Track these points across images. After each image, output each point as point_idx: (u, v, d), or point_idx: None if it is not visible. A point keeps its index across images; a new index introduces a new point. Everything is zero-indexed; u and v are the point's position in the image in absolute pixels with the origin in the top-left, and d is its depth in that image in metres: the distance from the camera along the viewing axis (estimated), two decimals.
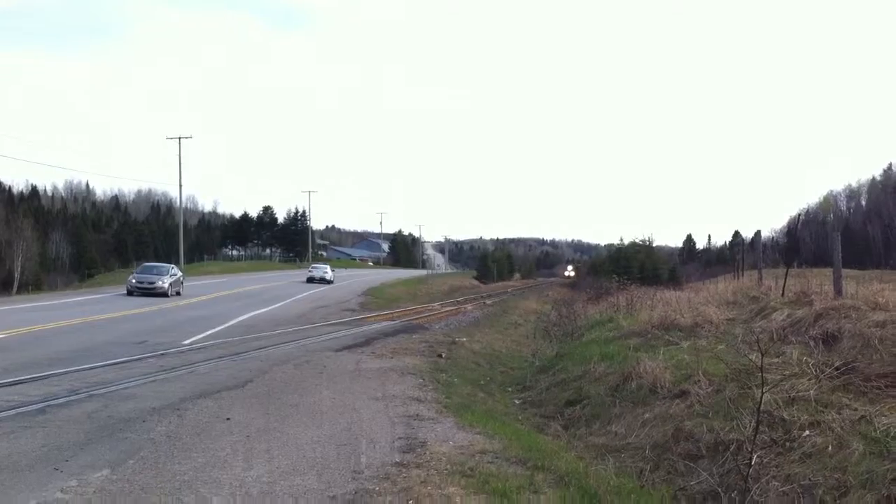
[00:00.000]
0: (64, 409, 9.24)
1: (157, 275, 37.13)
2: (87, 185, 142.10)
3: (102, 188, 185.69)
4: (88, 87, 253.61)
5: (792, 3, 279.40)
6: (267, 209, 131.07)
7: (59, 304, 30.10)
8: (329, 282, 60.91)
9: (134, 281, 36.53)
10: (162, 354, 15.10)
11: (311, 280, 60.93)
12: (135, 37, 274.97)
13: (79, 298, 34.98)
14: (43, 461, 6.76)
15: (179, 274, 39.89)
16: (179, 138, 67.55)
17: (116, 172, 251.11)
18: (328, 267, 68.10)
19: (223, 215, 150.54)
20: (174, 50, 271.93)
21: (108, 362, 13.63)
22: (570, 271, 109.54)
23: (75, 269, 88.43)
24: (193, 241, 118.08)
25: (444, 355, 16.69)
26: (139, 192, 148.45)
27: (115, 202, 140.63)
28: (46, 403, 9.54)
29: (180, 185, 69.74)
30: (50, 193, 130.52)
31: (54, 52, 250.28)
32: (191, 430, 8.16)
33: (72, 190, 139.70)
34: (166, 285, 35.92)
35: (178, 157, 67.87)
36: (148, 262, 51.45)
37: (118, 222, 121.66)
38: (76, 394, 10.29)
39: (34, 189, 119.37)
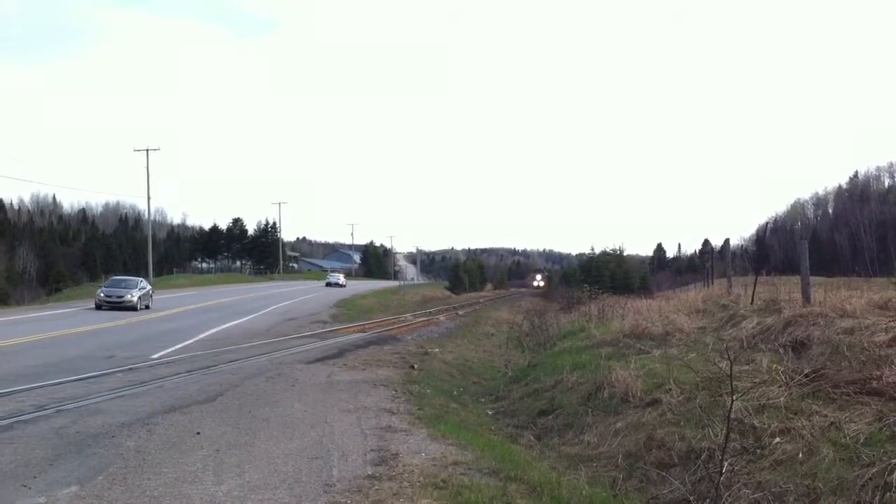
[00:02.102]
0: (31, 424, 9.10)
1: (125, 288, 36.73)
2: (54, 198, 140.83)
3: (70, 201, 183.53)
4: (54, 98, 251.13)
5: (757, 17, 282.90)
6: (237, 221, 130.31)
7: (27, 319, 29.69)
8: (342, 286, 78.53)
9: (102, 295, 36.11)
10: (131, 369, 14.93)
11: (328, 285, 79.04)
12: (101, 47, 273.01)
13: (46, 313, 34.57)
14: (10, 478, 6.65)
15: (148, 287, 39.48)
16: (147, 150, 67.12)
17: (83, 185, 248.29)
18: (342, 275, 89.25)
19: (192, 228, 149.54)
20: (141, 61, 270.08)
21: (77, 377, 13.44)
22: (538, 281, 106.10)
23: (43, 283, 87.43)
24: (162, 253, 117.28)
25: (416, 366, 16.66)
26: (107, 204, 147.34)
27: (83, 215, 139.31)
28: (14, 419, 9.40)
29: (148, 198, 69.15)
30: (16, 207, 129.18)
31: (18, 60, 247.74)
32: (160, 445, 8.08)
33: (38, 203, 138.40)
34: (135, 299, 35.52)
35: (146, 169, 67.41)
36: (116, 275, 50.96)
37: (86, 235, 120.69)
38: (44, 409, 10.14)
39: (0, 202, 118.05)
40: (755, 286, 16.30)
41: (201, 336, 23.10)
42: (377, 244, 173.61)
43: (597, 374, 12.18)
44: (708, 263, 34.00)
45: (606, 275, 60.42)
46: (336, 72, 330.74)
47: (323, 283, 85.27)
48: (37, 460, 7.29)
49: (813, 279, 13.64)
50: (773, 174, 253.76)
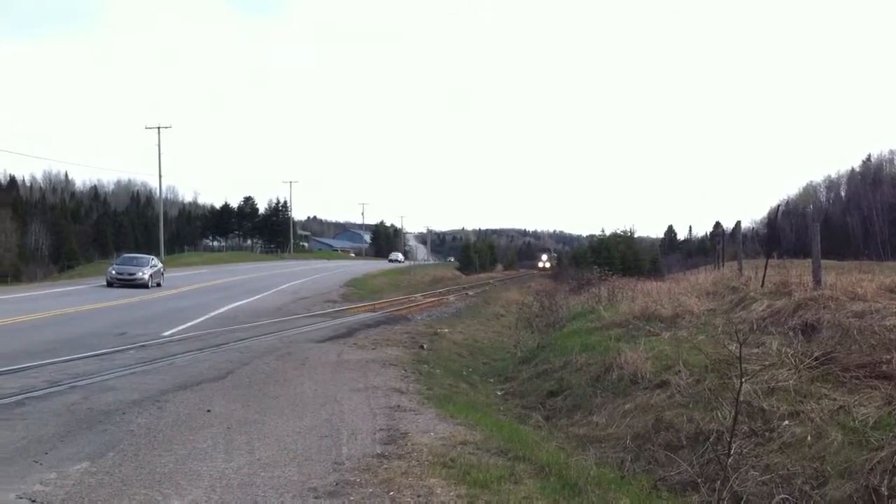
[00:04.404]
0: (43, 401, 9.16)
1: (137, 266, 36.90)
2: (66, 175, 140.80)
3: (82, 178, 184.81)
4: (67, 76, 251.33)
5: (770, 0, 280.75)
6: (248, 200, 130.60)
7: (39, 296, 29.84)
8: (401, 262, 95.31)
9: (114, 272, 36.29)
10: (142, 346, 15.00)
11: (390, 261, 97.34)
12: (112, 24, 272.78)
13: (58, 290, 34.74)
14: (22, 453, 6.70)
15: (160, 265, 39.66)
16: (159, 128, 67.24)
17: (96, 163, 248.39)
18: (400, 254, 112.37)
19: (204, 206, 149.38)
20: (153, 38, 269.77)
21: (88, 354, 13.51)
22: (544, 262, 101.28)
23: (55, 260, 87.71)
24: (174, 231, 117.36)
25: (426, 346, 16.70)
26: (118, 182, 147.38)
27: (95, 192, 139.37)
28: (25, 395, 9.46)
29: (160, 176, 69.30)
30: (28, 184, 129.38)
31: (30, 39, 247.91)
32: (171, 422, 8.13)
33: (51, 180, 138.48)
34: (146, 276, 35.69)
35: (157, 147, 67.50)
36: (128, 253, 51.22)
37: (97, 213, 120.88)
38: (56, 386, 10.21)
39: (12, 179, 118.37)
40: (766, 269, 16.23)
41: (212, 314, 23.17)
42: (387, 224, 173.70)
43: (606, 356, 12.17)
44: (719, 246, 33.84)
45: (616, 256, 60.08)
46: (348, 51, 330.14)
47: (330, 262, 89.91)
48: (48, 436, 7.34)
49: (824, 262, 13.58)
50: (785, 157, 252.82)
